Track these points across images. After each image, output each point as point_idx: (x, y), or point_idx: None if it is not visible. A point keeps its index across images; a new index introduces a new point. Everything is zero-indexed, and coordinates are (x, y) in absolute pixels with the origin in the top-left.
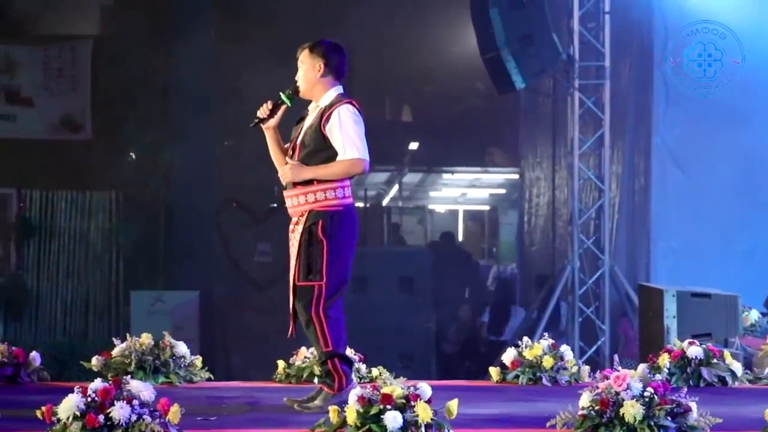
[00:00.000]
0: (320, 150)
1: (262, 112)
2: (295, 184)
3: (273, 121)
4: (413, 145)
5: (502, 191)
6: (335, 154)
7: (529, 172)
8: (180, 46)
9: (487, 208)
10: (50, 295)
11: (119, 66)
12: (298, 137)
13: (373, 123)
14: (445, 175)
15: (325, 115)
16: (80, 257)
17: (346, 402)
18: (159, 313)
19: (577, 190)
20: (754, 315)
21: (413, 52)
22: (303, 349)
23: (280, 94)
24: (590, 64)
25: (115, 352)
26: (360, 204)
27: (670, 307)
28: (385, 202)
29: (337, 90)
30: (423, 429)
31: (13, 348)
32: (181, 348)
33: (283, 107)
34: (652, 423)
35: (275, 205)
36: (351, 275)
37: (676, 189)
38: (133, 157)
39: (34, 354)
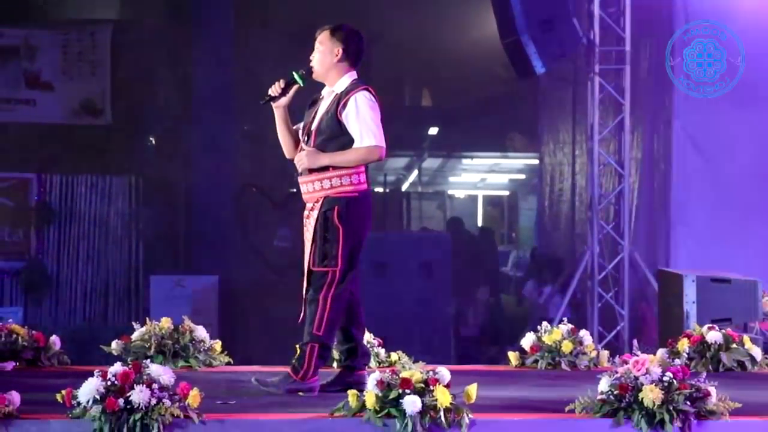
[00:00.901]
0: (336, 136)
1: (274, 90)
2: (311, 171)
3: (284, 100)
4: (433, 131)
5: (522, 176)
6: (351, 140)
7: (549, 157)
8: (200, 30)
9: (506, 193)
10: (70, 279)
11: (139, 50)
12: (312, 122)
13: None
14: (465, 161)
15: (341, 101)
16: (100, 241)
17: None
18: (178, 297)
19: (596, 175)
20: None
21: (433, 36)
22: None
23: (293, 73)
24: (611, 49)
25: (134, 336)
26: (380, 189)
27: (690, 292)
28: (404, 188)
29: (352, 76)
30: (442, 413)
31: (34, 332)
32: (201, 332)
33: (295, 87)
34: (671, 408)
35: (294, 190)
36: (366, 260)
37: (696, 174)
38: (153, 141)
39: (54, 338)
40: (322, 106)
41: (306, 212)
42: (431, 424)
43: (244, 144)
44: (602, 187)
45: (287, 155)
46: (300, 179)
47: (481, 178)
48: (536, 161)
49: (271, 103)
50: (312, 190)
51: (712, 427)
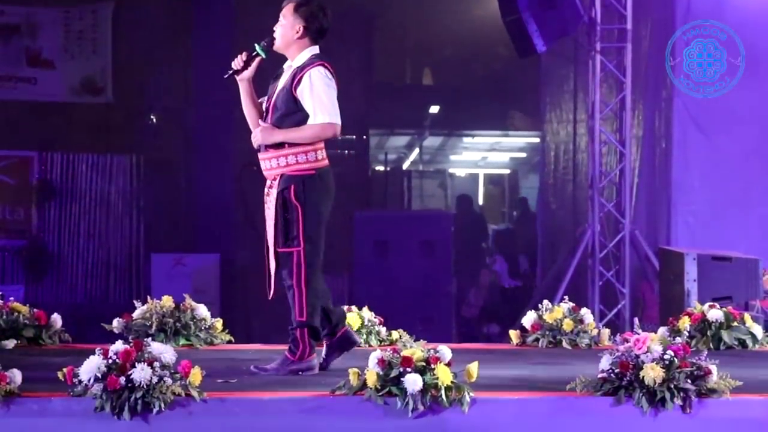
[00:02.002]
0: (292, 113)
1: (237, 63)
2: (268, 147)
3: (247, 73)
4: (434, 109)
5: (523, 155)
6: (307, 117)
7: (550, 136)
8: (201, 8)
9: (507, 171)
10: (71, 257)
11: (140, 28)
12: (272, 98)
13: (394, 86)
14: (466, 139)
15: (297, 77)
16: (101, 220)
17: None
18: (179, 275)
19: (597, 153)
20: None
21: (434, 15)
22: None
23: (255, 45)
24: (612, 27)
25: (136, 314)
26: (380, 168)
27: (691, 271)
28: (405, 166)
29: (312, 51)
30: (443, 392)
31: (35, 310)
32: (202, 310)
33: (258, 59)
34: (672, 386)
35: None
36: (367, 239)
37: (698, 152)
38: (154, 120)
39: (55, 316)
40: (281, 82)
41: (266, 189)
42: (432, 403)
43: (245, 123)
44: (604, 165)
45: (253, 129)
46: (259, 156)
47: (482, 156)
48: (537, 139)
49: (235, 76)
50: (269, 168)
51: (713, 405)
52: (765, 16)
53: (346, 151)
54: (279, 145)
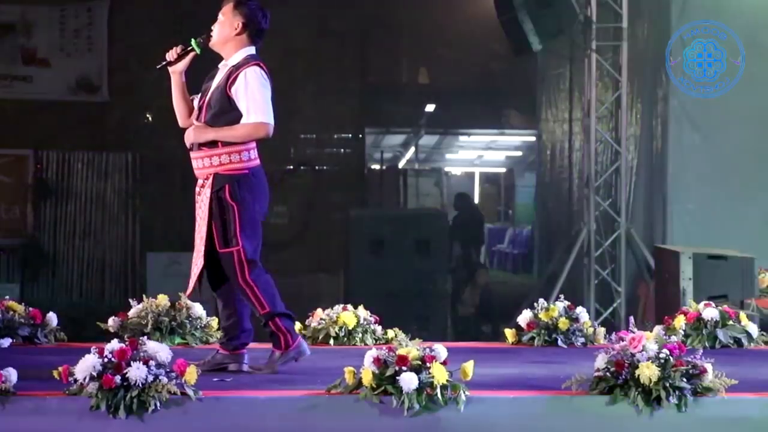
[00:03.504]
0: (225, 112)
1: (171, 54)
2: (201, 146)
3: (180, 66)
4: (429, 107)
5: (519, 153)
6: (240, 116)
7: (546, 134)
8: (196, 5)
9: (503, 170)
10: (67, 256)
11: (136, 26)
12: (205, 96)
13: (390, 85)
14: (462, 138)
15: (232, 76)
16: (97, 218)
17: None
18: (175, 274)
19: (593, 152)
20: None
21: (429, 13)
22: (319, 310)
23: (192, 39)
24: (608, 26)
25: (131, 313)
26: (376, 166)
27: (687, 269)
28: (401, 165)
29: (248, 51)
30: (438, 390)
31: (30, 309)
32: (197, 309)
33: (192, 53)
34: (668, 384)
35: (291, 167)
36: (362, 238)
37: (693, 151)
38: (150, 118)
39: (50, 315)
40: (215, 81)
41: (197, 188)
42: (428, 401)
43: None
44: (599, 164)
45: (180, 124)
46: (191, 154)
47: (478, 155)
48: (533, 138)
49: (168, 68)
50: (201, 167)
51: (709, 404)
52: (761, 13)
53: (342, 150)
54: (212, 144)
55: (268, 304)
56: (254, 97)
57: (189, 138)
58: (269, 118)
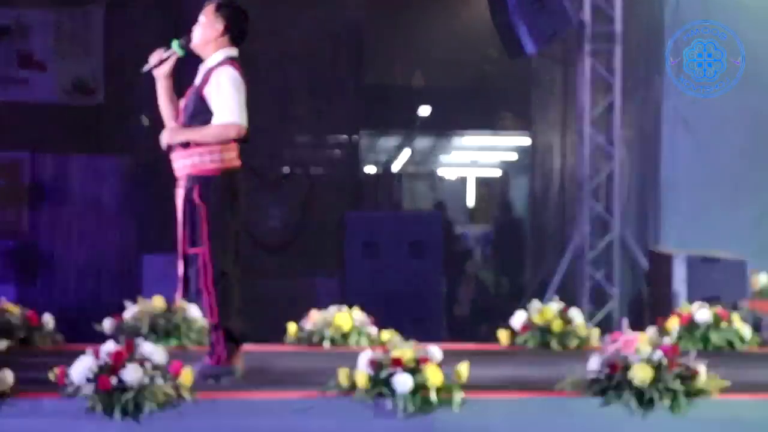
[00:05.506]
0: (200, 113)
1: (154, 58)
2: (177, 147)
3: (163, 70)
4: (424, 110)
5: (514, 156)
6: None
7: (540, 137)
8: (193, 9)
9: (498, 173)
10: (63, 258)
11: (132, 30)
12: (186, 98)
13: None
14: (456, 140)
15: (206, 77)
16: (93, 221)
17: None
18: (171, 277)
19: (587, 155)
20: (764, 279)
21: (424, 16)
22: (314, 312)
23: (173, 41)
24: (601, 29)
25: (127, 315)
26: (371, 169)
27: (680, 272)
28: (396, 168)
29: (227, 53)
30: (433, 392)
31: (27, 311)
32: (193, 311)
33: (175, 56)
34: (661, 386)
35: (288, 169)
36: (356, 240)
37: (687, 154)
38: (146, 121)
39: (47, 316)
40: (195, 83)
41: (177, 189)
42: (422, 403)
43: None
44: (593, 167)
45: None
46: (171, 155)
47: (472, 158)
48: (527, 141)
49: (153, 72)
50: (178, 168)
51: (701, 406)
52: (752, 15)
53: (337, 152)
54: (186, 145)
55: (218, 315)
56: (225, 98)
57: (163, 139)
58: (240, 119)
